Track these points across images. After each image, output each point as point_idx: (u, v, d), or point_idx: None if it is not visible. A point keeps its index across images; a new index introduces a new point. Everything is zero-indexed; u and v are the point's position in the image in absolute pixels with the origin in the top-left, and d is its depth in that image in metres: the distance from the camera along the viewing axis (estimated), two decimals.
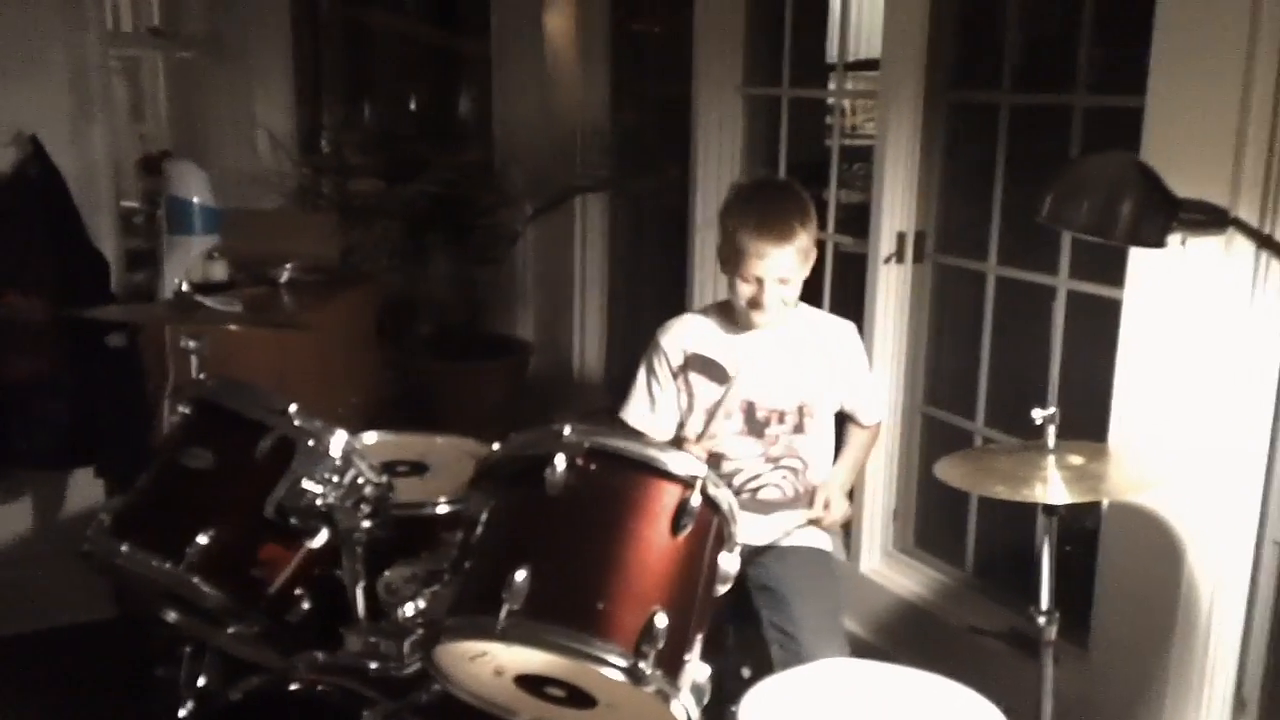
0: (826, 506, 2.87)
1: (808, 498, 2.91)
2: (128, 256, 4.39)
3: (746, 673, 2.83)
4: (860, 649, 3.45)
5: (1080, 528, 3.17)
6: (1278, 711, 2.84)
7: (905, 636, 3.79)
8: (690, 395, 2.88)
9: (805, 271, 2.82)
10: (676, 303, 4.84)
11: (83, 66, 3.92)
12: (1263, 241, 2.29)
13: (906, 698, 2.33)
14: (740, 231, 2.76)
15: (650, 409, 2.91)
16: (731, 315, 2.90)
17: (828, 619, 2.79)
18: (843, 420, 3.04)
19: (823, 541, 2.99)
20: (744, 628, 2.87)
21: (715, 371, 2.87)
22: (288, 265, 4.78)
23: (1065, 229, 2.37)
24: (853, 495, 3.80)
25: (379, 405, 5.26)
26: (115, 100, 4.42)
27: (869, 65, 4.21)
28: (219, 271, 4.42)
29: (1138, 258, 2.82)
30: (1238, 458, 2.72)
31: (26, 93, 3.76)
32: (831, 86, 4.50)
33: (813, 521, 2.91)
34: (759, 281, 2.76)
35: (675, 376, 2.89)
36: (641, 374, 2.95)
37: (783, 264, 2.75)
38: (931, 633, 3.70)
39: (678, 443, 2.78)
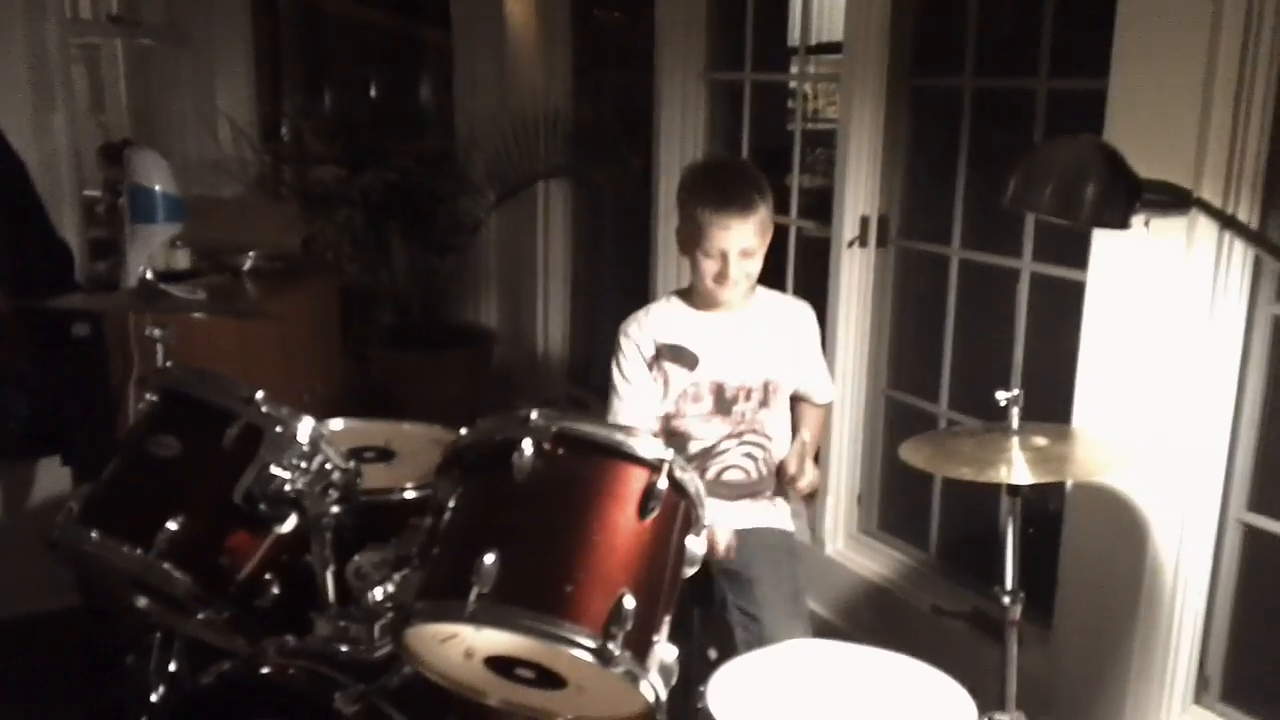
0: (799, 473, 2.86)
1: (771, 479, 2.93)
2: (90, 246, 4.36)
3: (713, 655, 2.85)
4: (825, 630, 3.49)
5: (1043, 510, 3.20)
6: (1241, 689, 2.88)
7: (869, 618, 3.82)
8: (665, 383, 2.90)
9: (765, 246, 2.85)
10: (640, 290, 4.85)
11: (43, 53, 3.89)
12: (1226, 222, 2.32)
13: (873, 677, 2.34)
14: (701, 208, 2.77)
15: (636, 401, 2.89)
16: (694, 299, 2.92)
17: (790, 601, 2.81)
18: (793, 402, 3.06)
19: (785, 523, 3.01)
20: (709, 611, 2.89)
21: (685, 357, 2.89)
22: (250, 254, 4.76)
23: (1029, 212, 2.39)
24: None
25: (342, 394, 5.25)
26: (75, 88, 4.37)
27: (831, 49, 4.22)
28: (182, 260, 4.41)
29: (1101, 240, 2.85)
30: (1201, 438, 2.75)
31: None
32: (794, 71, 4.52)
33: (785, 485, 2.91)
34: (723, 256, 2.77)
35: (650, 367, 2.90)
36: (615, 373, 2.93)
37: (745, 236, 2.77)
38: (896, 614, 3.73)
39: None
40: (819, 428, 3.10)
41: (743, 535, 2.89)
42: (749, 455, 2.92)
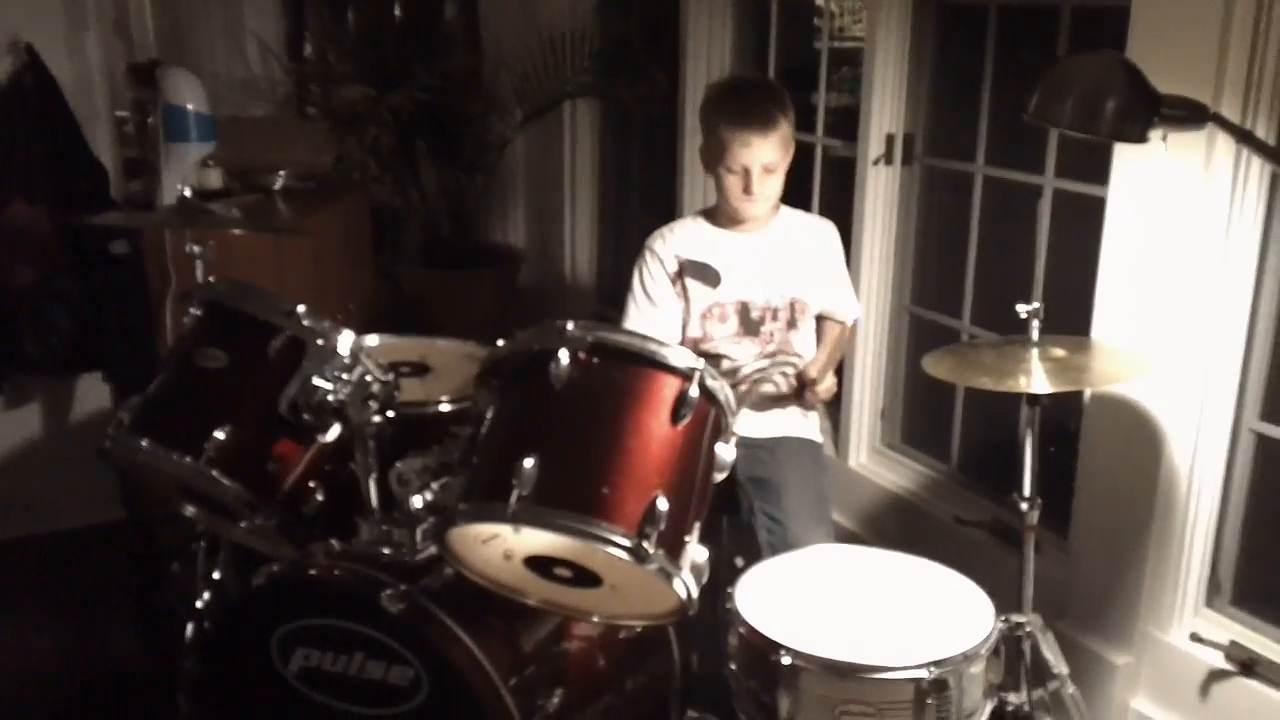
0: (819, 378, 2.91)
1: (800, 390, 2.99)
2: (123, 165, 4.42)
3: (740, 562, 2.93)
4: (848, 541, 3.57)
5: (1063, 429, 3.26)
6: (1251, 593, 2.95)
7: (892, 528, 3.90)
8: (686, 300, 2.96)
9: (787, 163, 2.90)
10: (667, 208, 4.89)
11: None
12: (1243, 137, 2.35)
13: (895, 580, 2.44)
14: (723, 125, 2.85)
15: (653, 314, 2.97)
16: (718, 218, 2.99)
17: (815, 507, 2.90)
18: (818, 320, 3.12)
19: (813, 434, 3.09)
20: (737, 519, 2.98)
21: (708, 275, 2.95)
22: (281, 173, 4.82)
23: (1051, 126, 2.42)
24: (840, 392, 3.92)
25: (373, 312, 5.34)
26: (105, 7, 4.40)
27: None
28: (214, 179, 4.47)
29: (1122, 156, 2.88)
30: (1216, 350, 2.80)
31: (20, 1, 3.76)
32: None
33: (801, 389, 2.94)
34: (746, 172, 2.84)
35: (673, 281, 2.96)
36: (636, 283, 3.01)
37: (767, 152, 2.83)
38: (918, 524, 3.80)
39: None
40: (839, 345, 3.15)
41: (772, 443, 2.98)
42: (783, 374, 2.98)
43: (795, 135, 2.92)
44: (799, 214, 3.08)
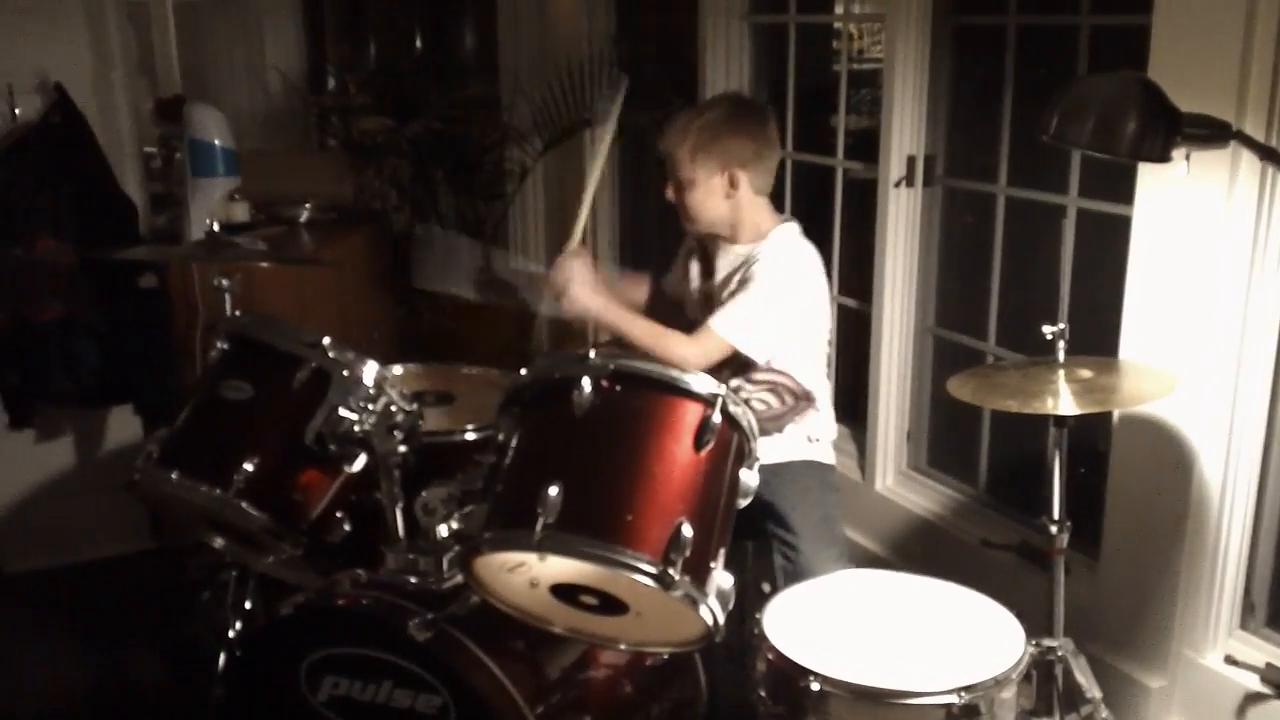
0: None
1: (802, 406, 2.95)
2: (149, 200, 4.46)
3: (766, 588, 2.93)
4: (876, 564, 3.55)
5: (1092, 449, 3.24)
6: None
7: (919, 552, 3.88)
8: (685, 278, 3.14)
9: (703, 185, 2.89)
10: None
11: (101, 11, 3.95)
12: (1266, 154, 2.33)
13: (924, 605, 2.42)
14: None
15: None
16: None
17: (825, 527, 2.89)
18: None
19: (820, 457, 3.04)
20: (762, 544, 2.97)
21: (698, 271, 3.12)
22: (305, 205, 4.87)
23: (1070, 146, 2.41)
24: (865, 415, 3.90)
25: (395, 341, 5.36)
26: (130, 45, 4.45)
27: None
28: (240, 212, 4.51)
29: (1147, 175, 2.87)
30: (1246, 367, 2.78)
31: (49, 40, 3.80)
32: (838, 11, 4.52)
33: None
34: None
35: (688, 255, 3.15)
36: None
37: (672, 161, 2.93)
38: (945, 548, 3.78)
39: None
40: (656, 331, 2.87)
41: (776, 468, 2.93)
42: (769, 391, 2.95)
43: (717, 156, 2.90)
44: (775, 237, 2.93)
